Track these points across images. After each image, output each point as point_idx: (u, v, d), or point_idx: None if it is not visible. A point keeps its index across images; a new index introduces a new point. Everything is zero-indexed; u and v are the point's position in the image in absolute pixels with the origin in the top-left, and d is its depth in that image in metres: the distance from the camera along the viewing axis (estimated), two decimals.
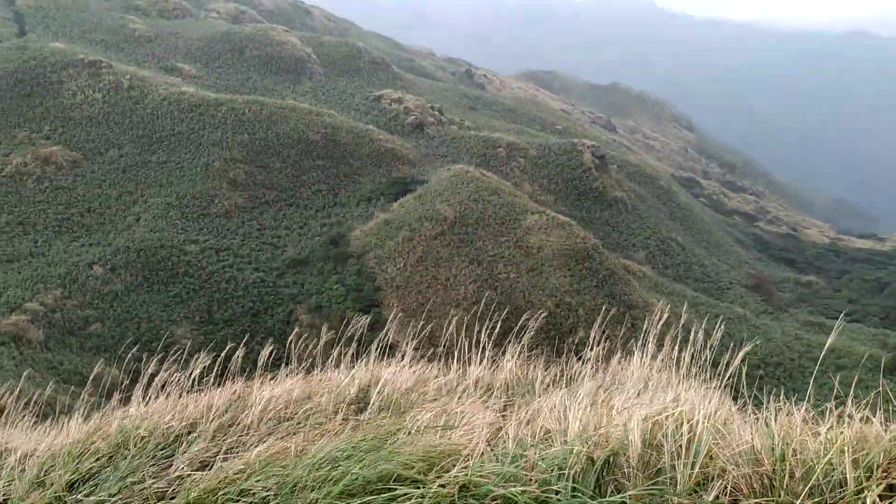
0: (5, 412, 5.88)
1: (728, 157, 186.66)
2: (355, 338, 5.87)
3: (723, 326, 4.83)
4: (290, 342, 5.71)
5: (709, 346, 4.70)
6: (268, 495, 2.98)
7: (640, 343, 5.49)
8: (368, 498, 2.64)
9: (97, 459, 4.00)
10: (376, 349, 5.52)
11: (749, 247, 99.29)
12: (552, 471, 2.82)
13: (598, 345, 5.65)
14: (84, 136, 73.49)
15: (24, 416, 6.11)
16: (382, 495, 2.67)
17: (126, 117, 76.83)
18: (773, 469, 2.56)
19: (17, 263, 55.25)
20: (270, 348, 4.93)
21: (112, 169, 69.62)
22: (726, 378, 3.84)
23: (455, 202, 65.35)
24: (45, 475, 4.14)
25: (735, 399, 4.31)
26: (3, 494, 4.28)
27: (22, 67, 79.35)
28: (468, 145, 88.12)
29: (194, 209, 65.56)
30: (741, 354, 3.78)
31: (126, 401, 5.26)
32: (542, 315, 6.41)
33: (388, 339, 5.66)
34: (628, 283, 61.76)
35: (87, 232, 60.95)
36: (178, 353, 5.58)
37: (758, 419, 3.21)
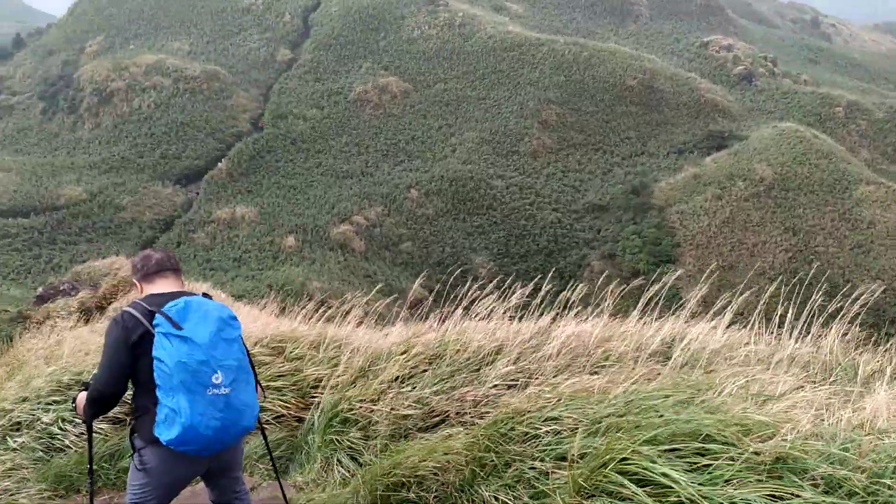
0: (345, 311, 6.73)
1: None
2: (652, 291, 5.69)
3: None
4: (591, 285, 5.73)
5: None
6: (572, 426, 3.07)
7: None
8: (676, 446, 2.59)
9: (419, 362, 4.45)
10: (672, 304, 5.33)
11: None
12: (885, 462, 2.53)
13: None
14: (416, 68, 79.68)
15: (353, 316, 6.94)
16: (690, 447, 2.60)
17: (454, 53, 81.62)
18: None
19: (350, 180, 62.48)
20: (583, 289, 5.00)
21: (436, 101, 74.81)
22: None
23: (776, 163, 60.00)
24: (371, 367, 4.71)
25: None
26: (339, 376, 4.97)
27: (372, 3, 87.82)
28: (801, 102, 79.71)
29: (505, 146, 68.18)
30: None
31: (430, 316, 5.70)
32: (874, 291, 5.62)
33: (689, 297, 5.42)
34: None
35: (408, 158, 66.68)
36: (484, 279, 5.89)
37: None
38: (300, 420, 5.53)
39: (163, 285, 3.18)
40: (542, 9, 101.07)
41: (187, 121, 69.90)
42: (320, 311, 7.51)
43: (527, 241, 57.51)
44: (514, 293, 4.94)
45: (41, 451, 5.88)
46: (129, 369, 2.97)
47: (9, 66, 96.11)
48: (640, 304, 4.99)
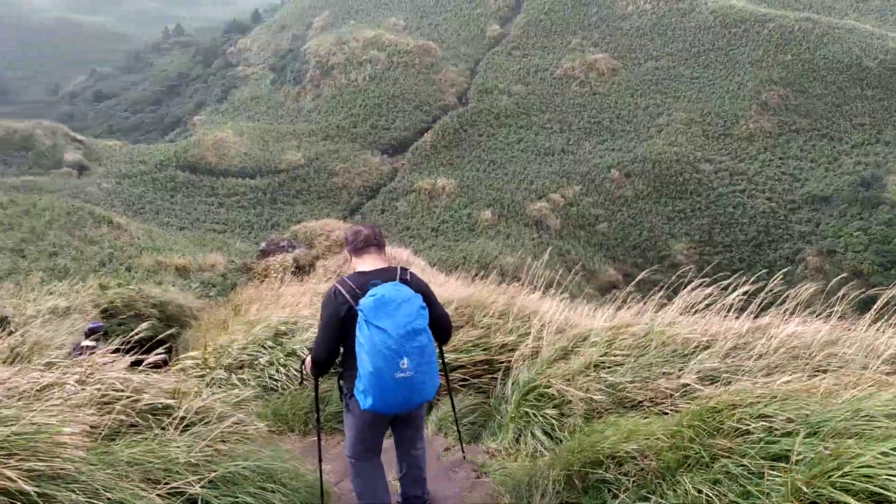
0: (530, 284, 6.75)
1: None
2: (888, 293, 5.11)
3: None
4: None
5: None
6: (789, 428, 2.84)
7: None
8: None
9: (621, 351, 4.35)
10: None
11: None
12: None
13: None
14: (627, 45, 77.21)
15: (548, 291, 6.94)
16: None
17: (669, 30, 78.07)
18: None
19: (551, 157, 62.18)
20: (813, 287, 4.61)
21: (645, 80, 72.14)
22: None
23: None
24: (574, 348, 4.68)
25: None
26: (533, 348, 4.99)
27: None
28: None
29: (716, 128, 64.44)
30: None
31: (625, 300, 5.52)
32: None
33: None
34: None
35: (611, 137, 65.05)
36: (684, 268, 5.59)
37: None
38: (488, 385, 5.65)
39: (368, 260, 3.76)
40: None
41: (398, 93, 73.11)
42: (508, 283, 7.62)
43: (733, 230, 54.13)
44: (732, 287, 4.65)
45: (260, 388, 6.51)
46: (338, 339, 3.63)
47: (247, 39, 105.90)
48: (874, 307, 4.52)
